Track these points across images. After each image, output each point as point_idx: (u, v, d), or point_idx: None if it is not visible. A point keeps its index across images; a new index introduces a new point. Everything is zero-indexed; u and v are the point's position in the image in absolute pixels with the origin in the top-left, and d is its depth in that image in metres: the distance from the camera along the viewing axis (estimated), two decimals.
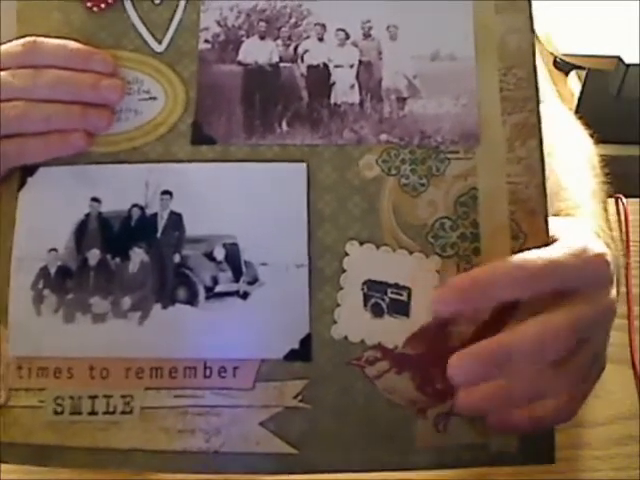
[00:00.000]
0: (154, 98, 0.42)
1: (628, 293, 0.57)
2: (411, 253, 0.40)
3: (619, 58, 0.88)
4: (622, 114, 0.89)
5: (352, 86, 0.42)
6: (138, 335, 0.40)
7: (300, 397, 0.39)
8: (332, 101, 0.42)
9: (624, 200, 0.66)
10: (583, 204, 0.48)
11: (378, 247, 0.40)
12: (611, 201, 0.63)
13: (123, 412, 0.40)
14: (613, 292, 0.39)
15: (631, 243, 0.62)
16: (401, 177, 0.41)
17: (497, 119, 0.42)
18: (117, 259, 0.40)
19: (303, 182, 0.41)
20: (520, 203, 0.41)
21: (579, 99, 0.96)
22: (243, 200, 0.40)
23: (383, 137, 0.42)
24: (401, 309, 0.40)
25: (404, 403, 0.39)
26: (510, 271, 0.37)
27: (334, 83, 0.42)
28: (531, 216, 0.41)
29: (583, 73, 0.95)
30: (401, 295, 0.40)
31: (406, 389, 0.39)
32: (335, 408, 0.39)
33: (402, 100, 0.42)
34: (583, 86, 0.95)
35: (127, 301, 0.40)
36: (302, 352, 0.39)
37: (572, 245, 0.39)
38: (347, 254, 0.40)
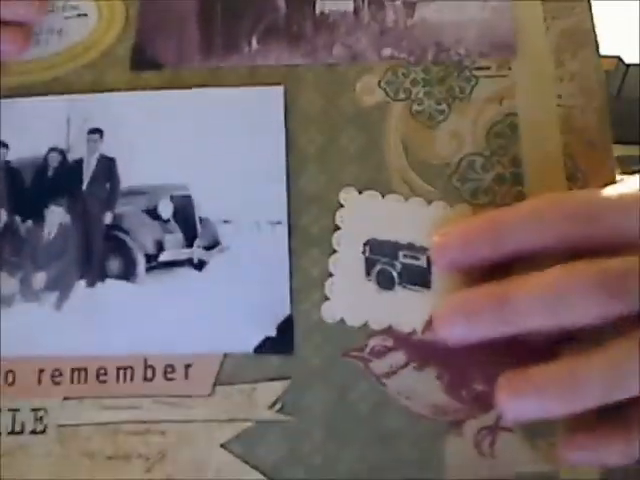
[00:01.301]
0: (84, 15, 0.32)
1: None
2: (430, 202, 0.29)
3: (619, 58, 0.86)
4: (622, 114, 0.82)
5: None
6: (55, 324, 0.29)
7: (278, 406, 0.28)
8: (317, 10, 0.32)
9: None
10: (624, 180, 0.38)
11: (384, 195, 0.29)
12: None
13: (33, 432, 0.28)
14: None
15: None
16: (412, 102, 0.30)
17: (538, 24, 0.31)
18: (29, 222, 0.30)
19: (279, 111, 0.30)
20: (576, 132, 0.30)
21: None
22: (198, 139, 0.30)
23: (386, 52, 0.31)
24: (419, 278, 0.28)
25: (428, 412, 0.28)
26: (543, 208, 0.26)
27: None
28: (591, 149, 0.30)
29: None
30: (417, 259, 0.28)
31: (431, 392, 0.28)
32: (329, 419, 0.27)
33: (410, 5, 0.32)
34: None
35: (41, 278, 0.29)
36: (280, 341, 0.28)
37: (636, 183, 0.27)
38: (341, 205, 0.29)
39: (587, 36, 0.31)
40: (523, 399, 0.25)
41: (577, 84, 0.30)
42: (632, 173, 0.44)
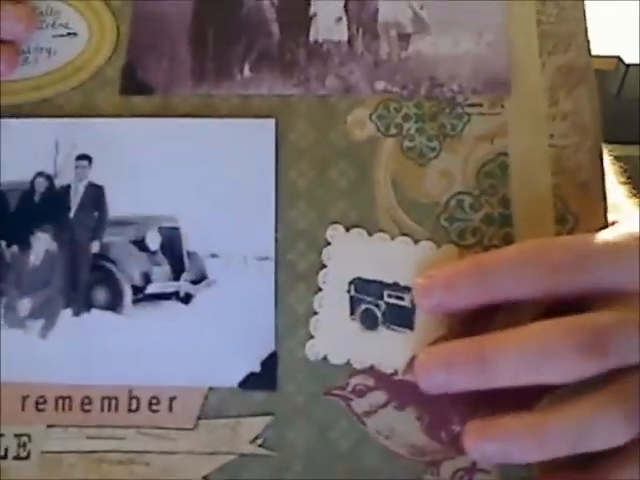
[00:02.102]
0: (74, 34, 0.31)
1: None
2: (416, 242, 0.29)
3: (619, 58, 0.87)
4: (622, 114, 0.87)
5: (338, 19, 0.32)
6: (40, 352, 0.29)
7: (260, 440, 0.28)
8: (311, 38, 0.31)
9: None
10: (621, 205, 0.39)
11: (371, 234, 0.29)
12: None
13: (17, 457, 0.29)
14: None
15: None
16: (404, 138, 0.30)
17: (534, 61, 0.31)
18: (14, 247, 0.30)
19: (270, 145, 0.30)
20: (567, 173, 0.30)
21: None
22: (188, 169, 0.30)
23: (379, 85, 0.31)
24: (402, 319, 0.29)
25: (406, 452, 0.28)
26: (529, 255, 0.27)
27: (314, 15, 0.32)
28: (582, 190, 0.30)
29: None
30: (402, 299, 0.29)
31: (410, 432, 0.28)
32: (309, 455, 0.28)
33: (405, 37, 0.31)
34: None
35: (26, 304, 0.29)
36: (264, 377, 0.28)
37: (628, 230, 0.27)
38: (328, 243, 0.29)
39: (583, 73, 0.31)
40: (488, 442, 0.26)
41: (570, 123, 0.30)
42: (627, 180, 0.45)
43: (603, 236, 0.27)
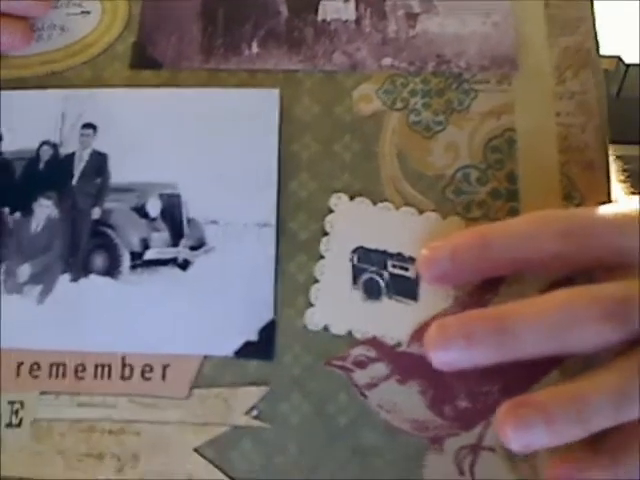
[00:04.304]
0: (87, 12, 0.32)
1: None
2: (421, 212, 0.29)
3: (619, 58, 0.87)
4: (622, 114, 0.86)
5: (346, 1, 0.32)
6: (36, 317, 0.28)
7: (255, 412, 0.27)
8: (320, 17, 0.32)
9: None
10: (620, 201, 0.38)
11: (375, 203, 0.29)
12: None
13: (9, 425, 0.28)
14: None
15: None
16: (410, 112, 0.30)
17: (541, 41, 0.31)
18: (17, 214, 0.29)
19: (274, 115, 0.30)
20: (574, 151, 0.29)
21: None
22: (190, 138, 0.30)
23: (386, 61, 0.31)
24: (406, 289, 0.28)
25: (409, 428, 0.27)
26: (536, 223, 0.26)
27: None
28: (589, 169, 0.29)
29: None
30: (406, 270, 0.28)
31: (413, 407, 0.27)
32: (305, 431, 0.27)
33: (413, 17, 0.31)
34: None
35: (25, 270, 0.29)
36: (261, 346, 0.27)
37: (632, 204, 0.27)
38: (331, 211, 0.29)
39: (589, 56, 0.31)
40: (532, 429, 0.23)
41: (577, 102, 0.30)
42: (625, 178, 0.44)
43: (608, 208, 0.27)
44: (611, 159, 0.42)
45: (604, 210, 0.27)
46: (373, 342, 0.27)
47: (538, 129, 0.30)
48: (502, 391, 0.26)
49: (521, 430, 0.24)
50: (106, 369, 0.28)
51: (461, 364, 0.25)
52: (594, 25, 0.31)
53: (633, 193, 0.48)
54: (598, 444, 0.25)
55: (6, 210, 0.30)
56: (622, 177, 0.44)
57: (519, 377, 0.26)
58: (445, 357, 0.25)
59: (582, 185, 0.29)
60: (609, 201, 0.29)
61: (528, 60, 0.30)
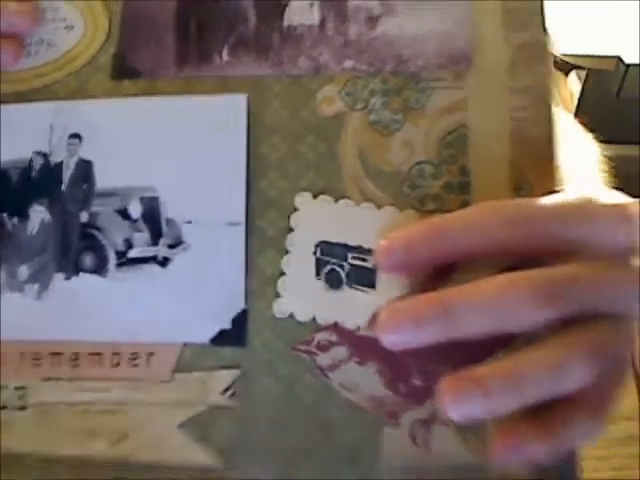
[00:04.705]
0: (71, 27, 0.35)
1: None
2: (379, 207, 0.31)
3: (619, 58, 0.87)
4: (622, 114, 0.88)
5: (311, 5, 0.34)
6: (35, 312, 0.32)
7: (230, 392, 0.30)
8: (285, 23, 0.34)
9: None
10: (578, 190, 0.40)
11: (337, 200, 0.31)
12: None
13: (16, 408, 0.31)
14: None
15: None
16: (370, 112, 0.32)
17: (498, 36, 0.32)
18: (15, 219, 0.33)
19: (242, 118, 0.32)
20: (525, 144, 0.31)
21: (579, 99, 0.94)
22: (167, 144, 0.32)
23: (348, 64, 0.33)
24: (365, 279, 0.30)
25: (368, 404, 0.30)
26: (484, 212, 0.28)
27: (288, 1, 0.34)
28: (538, 161, 0.31)
29: (583, 73, 0.93)
30: (365, 261, 0.30)
31: (371, 385, 0.30)
32: (275, 408, 0.30)
33: (374, 19, 0.33)
34: (583, 86, 0.93)
35: (24, 270, 0.32)
36: (234, 334, 0.30)
37: (579, 193, 0.29)
38: (296, 209, 0.31)
39: (542, 49, 0.32)
40: (469, 399, 0.26)
41: (530, 97, 0.31)
42: (613, 180, 0.46)
43: (554, 198, 0.29)
44: (604, 160, 0.44)
45: (550, 200, 0.29)
46: (335, 327, 0.30)
47: (491, 124, 0.31)
48: (452, 370, 0.29)
49: (459, 401, 0.26)
50: (98, 357, 0.31)
51: (410, 344, 0.28)
52: (544, 21, 0.33)
53: (613, 182, 0.49)
54: (540, 416, 0.27)
55: (5, 215, 0.33)
56: (611, 178, 0.45)
57: (468, 357, 0.29)
58: (395, 339, 0.28)
59: (532, 176, 0.31)
60: (557, 191, 0.31)
61: (482, 56, 0.32)
